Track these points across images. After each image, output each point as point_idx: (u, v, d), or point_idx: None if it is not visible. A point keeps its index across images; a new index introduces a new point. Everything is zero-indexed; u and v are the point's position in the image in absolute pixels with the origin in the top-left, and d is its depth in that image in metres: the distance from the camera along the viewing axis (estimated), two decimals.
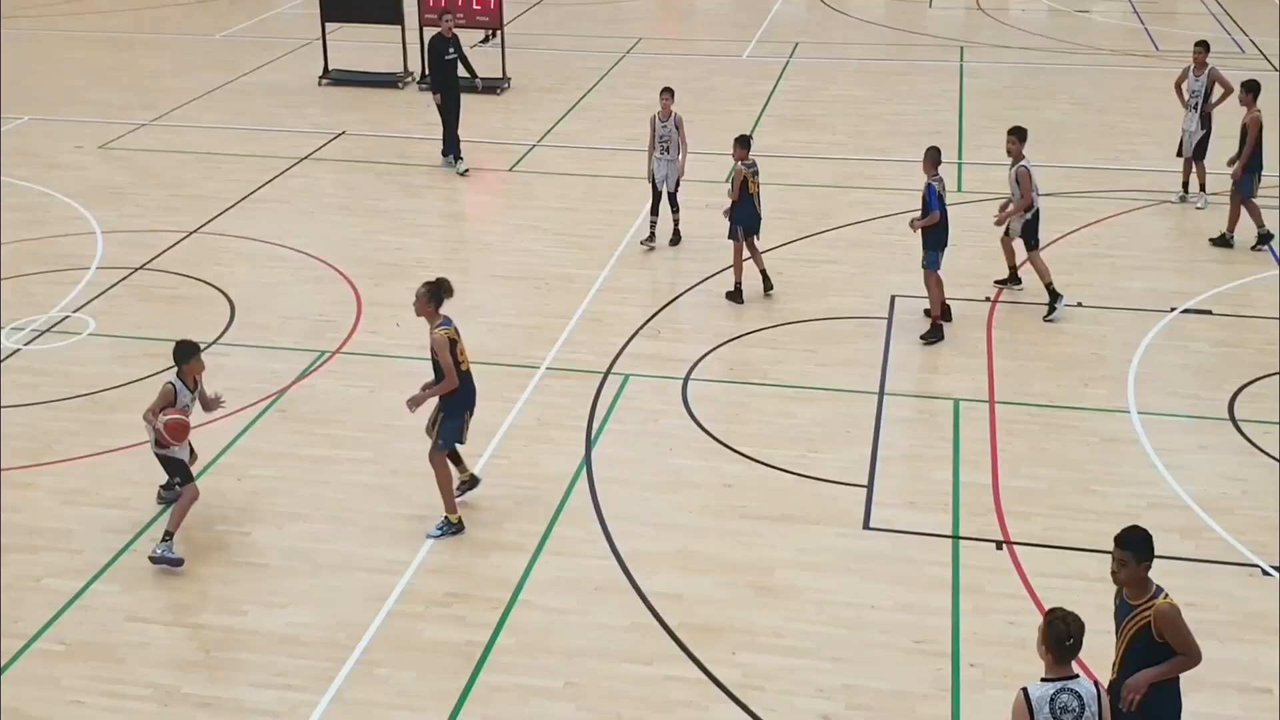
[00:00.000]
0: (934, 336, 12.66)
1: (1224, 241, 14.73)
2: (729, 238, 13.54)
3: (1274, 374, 11.87)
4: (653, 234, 15.13)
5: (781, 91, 21.31)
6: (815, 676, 8.32)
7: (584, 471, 10.56)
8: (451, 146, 17.44)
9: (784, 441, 11.01)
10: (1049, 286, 13.13)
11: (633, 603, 9.00)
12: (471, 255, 15.39)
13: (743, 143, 13.44)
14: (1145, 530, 6.51)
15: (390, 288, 14.01)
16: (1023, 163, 12.95)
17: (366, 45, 22.94)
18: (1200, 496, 10.09)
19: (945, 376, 12.09)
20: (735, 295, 13.54)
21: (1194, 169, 15.85)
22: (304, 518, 10.01)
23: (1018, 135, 12.96)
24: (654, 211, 15.08)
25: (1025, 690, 5.95)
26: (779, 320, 13.18)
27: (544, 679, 8.33)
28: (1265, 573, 9.22)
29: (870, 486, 10.36)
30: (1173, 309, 13.22)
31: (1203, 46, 15.79)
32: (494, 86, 20.78)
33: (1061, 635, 5.93)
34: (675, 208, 15.06)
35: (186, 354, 9.52)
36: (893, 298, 13.62)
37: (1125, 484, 10.31)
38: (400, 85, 21.66)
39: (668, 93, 14.88)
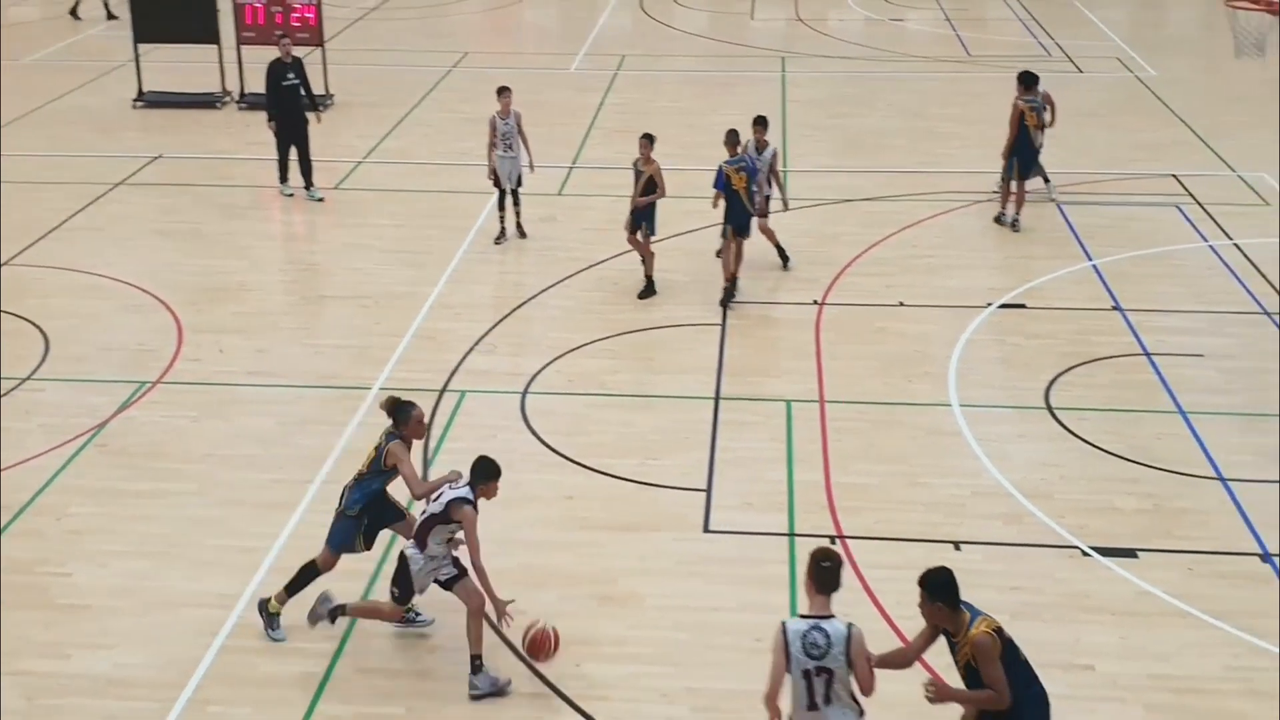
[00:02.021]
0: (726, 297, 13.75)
1: (1013, 226, 15.57)
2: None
3: (1085, 363, 12.44)
4: (503, 230, 15.45)
5: (610, 104, 21.46)
6: (658, 682, 8.36)
7: None
8: (286, 173, 16.92)
9: (624, 451, 11.07)
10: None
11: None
12: (297, 276, 15.06)
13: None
14: (942, 571, 6.63)
15: (212, 313, 13.62)
16: (772, 147, 14.28)
17: (182, 66, 22.24)
18: (1021, 483, 10.49)
19: (777, 379, 12.32)
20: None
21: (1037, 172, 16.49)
22: (128, 555, 9.64)
23: (762, 124, 14.22)
24: (500, 207, 15.39)
25: (784, 624, 6.48)
26: (616, 330, 13.26)
27: (385, 705, 8.18)
28: (1085, 553, 9.63)
29: (709, 490, 10.48)
30: (989, 304, 13.74)
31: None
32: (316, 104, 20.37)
33: (819, 556, 6.55)
34: (517, 201, 15.38)
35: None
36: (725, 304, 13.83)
37: (950, 475, 10.66)
38: (219, 105, 21.09)
39: (506, 91, 15.14)
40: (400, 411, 8.49)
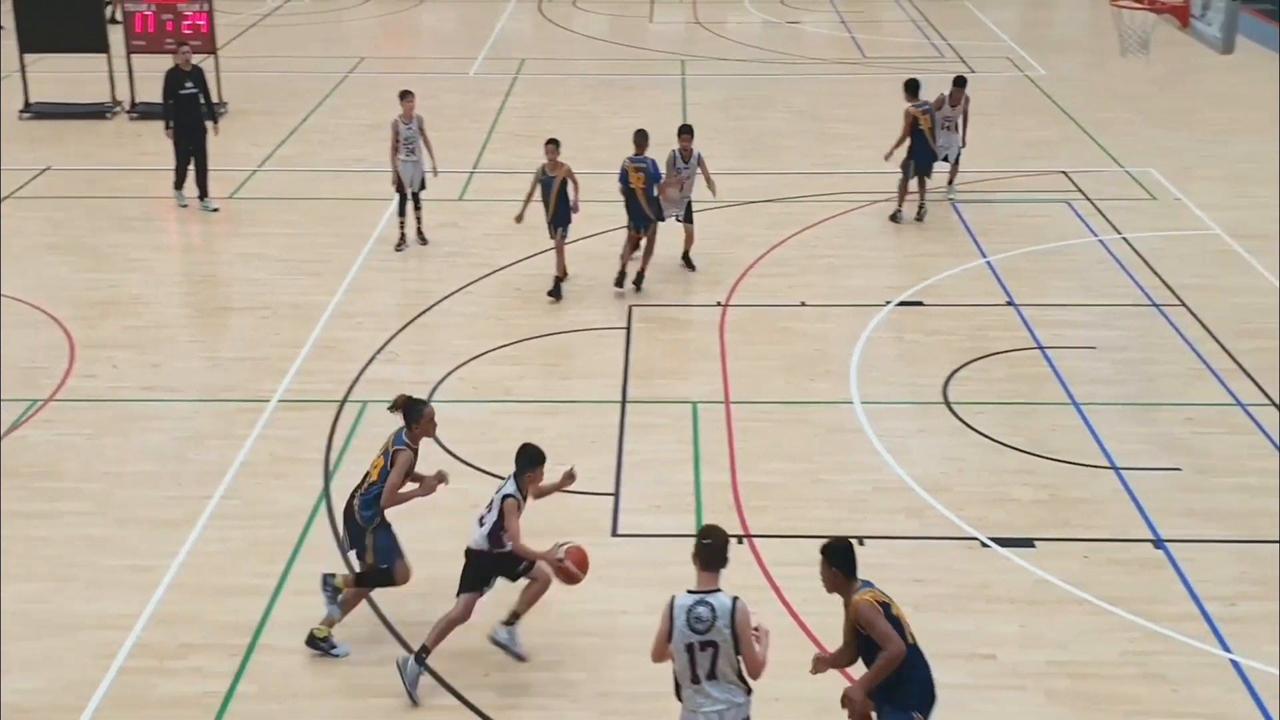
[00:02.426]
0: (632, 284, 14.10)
1: (918, 215, 16.01)
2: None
3: (982, 358, 12.68)
4: (403, 237, 15.35)
5: (510, 108, 21.39)
6: (569, 688, 8.35)
7: (323, 505, 10.28)
8: (182, 181, 16.55)
9: None
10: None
11: (381, 635, 8.81)
12: (192, 288, 14.76)
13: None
14: (843, 540, 6.96)
15: (105, 328, 13.30)
16: (697, 152, 14.39)
17: (71, 76, 21.68)
18: (921, 477, 10.66)
19: (683, 381, 12.37)
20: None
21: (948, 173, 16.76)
22: (22, 578, 9.36)
23: (688, 133, 14.41)
24: (401, 213, 15.27)
25: (673, 598, 6.67)
26: (520, 336, 13.21)
27: None
28: (984, 544, 9.81)
29: (617, 494, 10.49)
30: (888, 303, 13.94)
31: (961, 83, 16.43)
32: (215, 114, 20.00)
33: (701, 535, 6.78)
34: (418, 206, 15.31)
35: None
36: (630, 307, 13.86)
37: (852, 471, 10.80)
38: (108, 116, 20.60)
39: (409, 95, 15.06)
40: (414, 410, 8.46)
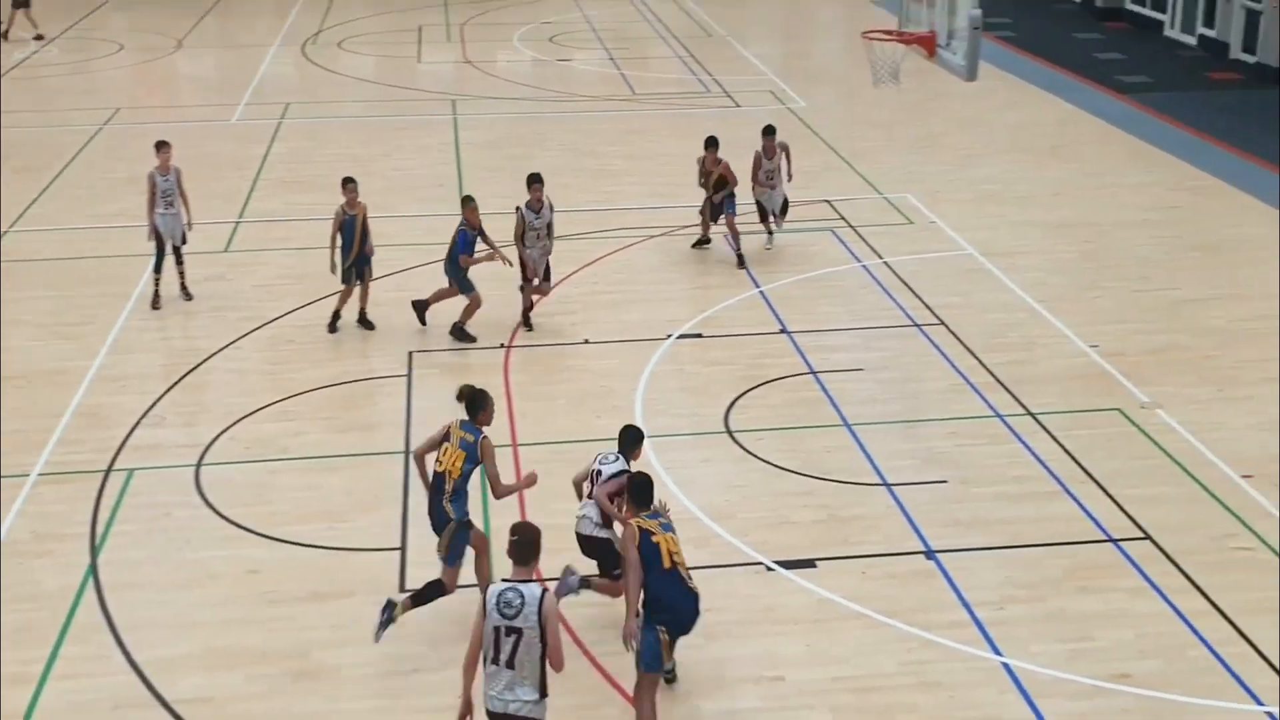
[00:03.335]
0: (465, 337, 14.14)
1: (702, 243, 16.62)
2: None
3: (759, 385, 13.03)
4: (157, 294, 14.79)
5: (276, 154, 20.90)
6: None
7: (90, 582, 9.76)
8: None
9: (310, 516, 10.73)
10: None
11: (157, 715, 8.42)
12: None
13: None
14: (641, 475, 8.28)
15: None
16: (549, 200, 14.18)
17: None
18: (706, 506, 10.87)
19: None
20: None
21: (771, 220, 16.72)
22: None
23: (539, 181, 14.08)
24: (157, 269, 14.76)
25: (488, 588, 7.18)
26: (295, 389, 12.88)
27: None
28: (769, 568, 10.06)
29: (404, 548, 10.31)
30: (669, 336, 14.19)
31: (770, 132, 16.68)
32: None
33: (511, 531, 7.19)
34: (180, 260, 14.87)
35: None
36: (410, 354, 13.70)
37: None
38: None
39: (165, 146, 14.68)
40: (481, 399, 9.07)
